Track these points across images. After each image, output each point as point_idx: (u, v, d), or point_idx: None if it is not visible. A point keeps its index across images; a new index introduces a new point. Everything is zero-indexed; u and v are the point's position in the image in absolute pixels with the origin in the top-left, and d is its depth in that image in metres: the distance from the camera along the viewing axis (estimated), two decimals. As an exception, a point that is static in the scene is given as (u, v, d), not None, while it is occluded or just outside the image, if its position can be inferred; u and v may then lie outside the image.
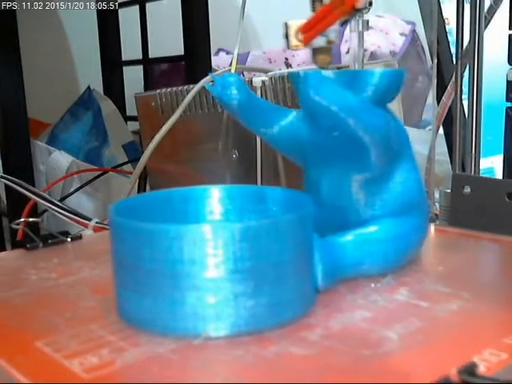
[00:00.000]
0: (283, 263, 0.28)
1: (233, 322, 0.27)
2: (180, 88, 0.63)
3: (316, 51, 0.38)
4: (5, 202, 0.93)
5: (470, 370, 0.23)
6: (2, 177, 0.47)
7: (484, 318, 0.29)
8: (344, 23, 0.36)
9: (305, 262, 0.30)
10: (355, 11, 0.34)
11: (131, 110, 1.22)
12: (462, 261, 0.38)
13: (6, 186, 0.49)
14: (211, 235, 0.27)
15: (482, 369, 0.23)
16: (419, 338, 0.26)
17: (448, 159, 0.87)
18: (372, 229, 0.34)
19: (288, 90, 0.53)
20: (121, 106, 1.24)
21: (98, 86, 1.25)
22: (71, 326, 0.29)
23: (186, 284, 0.27)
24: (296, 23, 0.37)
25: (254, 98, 0.36)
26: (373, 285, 0.33)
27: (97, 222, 0.46)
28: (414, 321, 0.28)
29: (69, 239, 0.42)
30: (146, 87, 1.28)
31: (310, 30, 0.36)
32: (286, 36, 0.37)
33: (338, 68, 0.48)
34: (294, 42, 0.37)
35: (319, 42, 0.37)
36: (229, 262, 0.27)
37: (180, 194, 0.35)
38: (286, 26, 0.37)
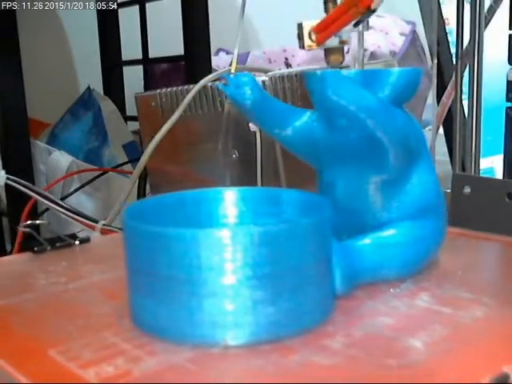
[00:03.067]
0: (303, 268, 0.27)
1: (252, 330, 0.26)
2: (180, 88, 0.63)
3: (329, 51, 0.37)
4: (5, 201, 0.92)
5: (503, 381, 0.22)
6: (9, 178, 0.46)
7: (510, 326, 0.28)
8: (357, 24, 0.35)
9: (324, 266, 0.29)
10: (370, 12, 0.33)
11: (131, 109, 1.21)
12: (472, 263, 0.38)
13: (6, 185, 0.48)
14: (229, 240, 0.26)
15: (513, 379, 0.23)
16: (445, 346, 0.26)
17: (448, 159, 0.86)
18: (390, 232, 0.33)
19: (288, 89, 0.52)
20: (121, 106, 1.23)
21: (98, 86, 1.24)
22: (84, 333, 0.28)
23: (203, 290, 0.26)
24: (310, 24, 0.36)
25: (268, 98, 0.35)
26: (392, 290, 0.32)
27: (104, 225, 0.45)
28: (438, 328, 0.27)
29: (77, 242, 0.41)
30: (146, 87, 1.27)
31: (323, 31, 0.36)
32: (300, 36, 0.36)
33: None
34: (307, 42, 0.36)
35: (332, 42, 0.37)
36: (247, 267, 0.26)
37: (193, 197, 0.34)
38: (300, 26, 0.36)
